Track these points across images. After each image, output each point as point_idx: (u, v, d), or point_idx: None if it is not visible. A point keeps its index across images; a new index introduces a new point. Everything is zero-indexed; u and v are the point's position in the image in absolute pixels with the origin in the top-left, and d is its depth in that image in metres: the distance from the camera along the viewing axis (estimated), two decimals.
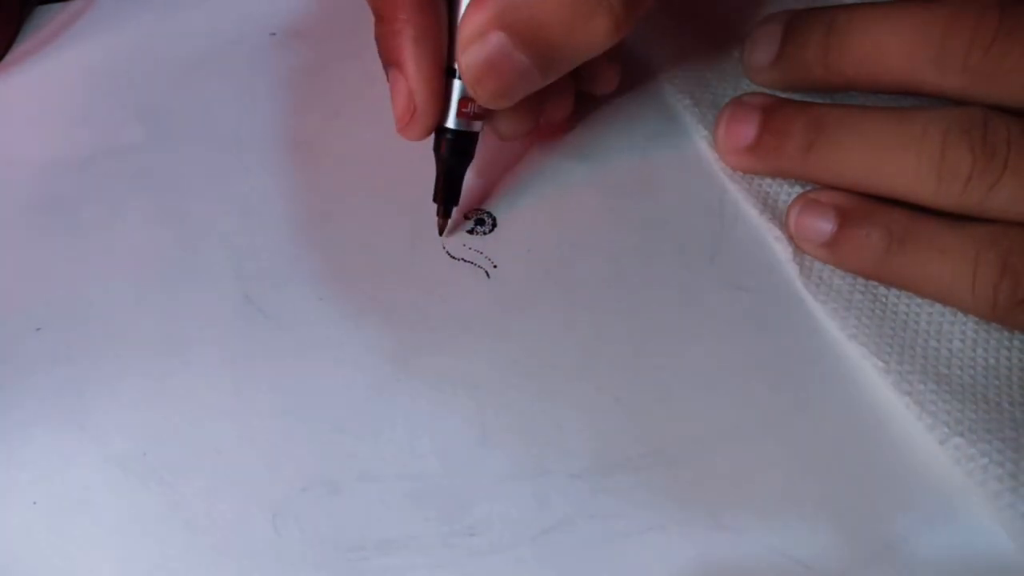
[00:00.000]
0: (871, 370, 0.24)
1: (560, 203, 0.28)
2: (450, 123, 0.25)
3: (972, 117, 0.23)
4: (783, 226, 0.26)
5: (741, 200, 0.28)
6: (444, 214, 0.27)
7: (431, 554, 0.22)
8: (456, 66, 0.23)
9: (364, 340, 0.26)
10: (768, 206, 0.27)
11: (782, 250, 0.26)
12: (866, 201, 0.25)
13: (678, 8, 0.33)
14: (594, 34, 0.22)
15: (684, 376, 0.24)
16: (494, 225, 0.28)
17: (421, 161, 0.29)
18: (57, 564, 0.22)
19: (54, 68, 0.35)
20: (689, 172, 0.29)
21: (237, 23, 0.36)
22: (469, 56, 0.22)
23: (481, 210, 0.28)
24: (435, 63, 0.24)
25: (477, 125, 0.26)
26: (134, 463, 0.24)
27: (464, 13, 0.23)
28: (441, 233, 0.28)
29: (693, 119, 0.29)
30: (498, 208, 0.29)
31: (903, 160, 0.24)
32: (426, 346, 0.25)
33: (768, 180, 0.28)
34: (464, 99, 0.25)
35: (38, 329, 0.27)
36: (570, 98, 0.28)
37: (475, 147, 0.26)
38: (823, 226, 0.25)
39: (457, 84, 0.25)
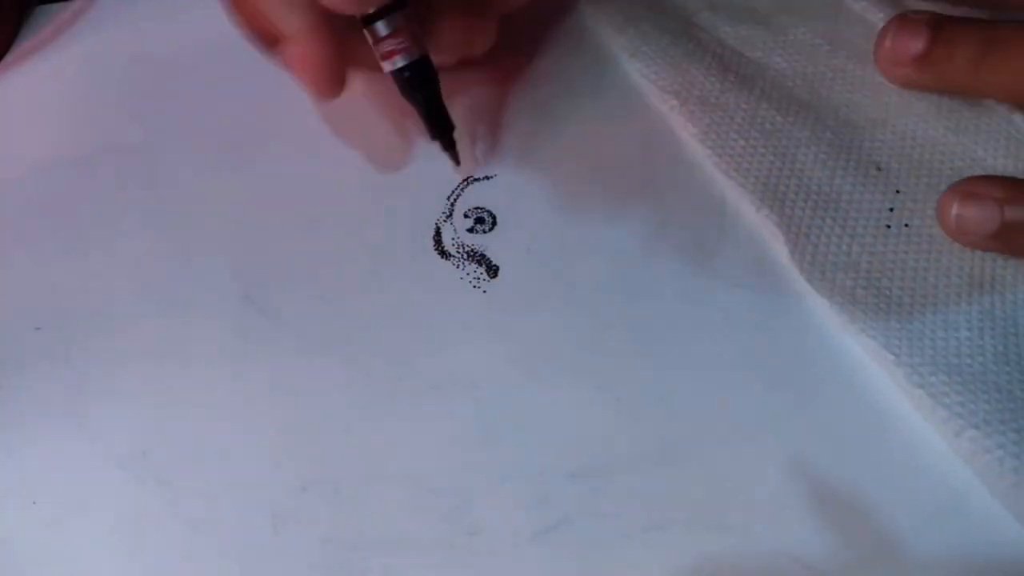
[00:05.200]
0: (871, 369, 0.24)
1: (560, 202, 0.28)
2: (397, 64, 0.25)
3: None
4: (782, 220, 0.26)
5: (741, 200, 0.28)
6: (448, 144, 0.27)
7: (431, 554, 0.22)
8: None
9: (364, 340, 0.26)
10: (767, 203, 0.27)
11: (780, 249, 0.26)
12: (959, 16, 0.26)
13: (657, 9, 0.33)
14: None
15: (684, 376, 0.24)
16: (494, 224, 0.28)
17: (421, 160, 0.29)
18: (57, 564, 0.22)
19: (54, 68, 0.35)
20: (689, 172, 0.29)
21: None
22: None
23: (481, 209, 0.28)
24: (317, 14, 0.23)
25: (417, 52, 0.26)
26: (134, 463, 0.24)
27: None
28: (457, 163, 0.28)
29: (681, 118, 0.29)
30: (498, 207, 0.29)
31: None
32: (426, 346, 0.25)
33: (767, 177, 0.27)
34: (388, 36, 0.25)
35: (38, 329, 0.27)
36: (483, 23, 0.28)
37: (432, 69, 0.26)
38: (918, 40, 0.26)
39: (378, 25, 0.25)
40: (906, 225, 0.26)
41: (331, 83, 0.25)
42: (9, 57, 0.36)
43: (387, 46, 0.25)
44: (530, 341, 0.25)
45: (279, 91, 0.33)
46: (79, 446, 0.24)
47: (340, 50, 0.25)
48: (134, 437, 0.24)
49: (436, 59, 0.27)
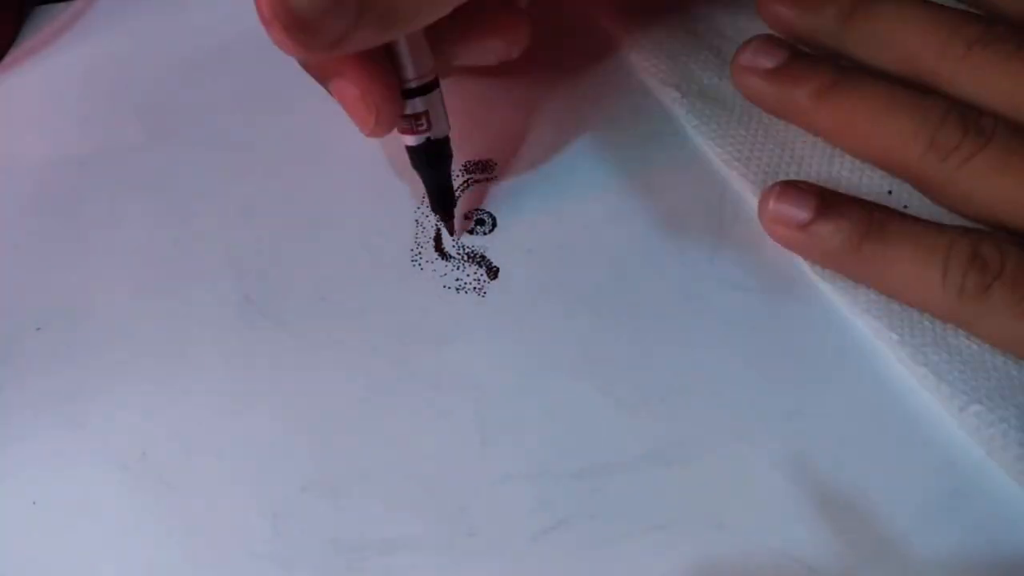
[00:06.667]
0: (871, 368, 0.24)
1: (560, 203, 0.28)
2: (410, 143, 0.25)
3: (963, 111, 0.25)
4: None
5: (741, 199, 0.28)
6: (447, 217, 0.28)
7: (431, 554, 0.22)
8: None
9: (364, 340, 0.26)
10: None
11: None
12: (843, 193, 0.26)
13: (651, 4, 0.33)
14: None
15: (684, 376, 0.24)
16: (494, 225, 0.28)
17: None
18: (57, 564, 0.22)
19: (54, 68, 0.35)
20: (689, 172, 0.29)
21: (237, 23, 0.36)
22: None
23: (481, 210, 0.28)
24: (376, 61, 0.23)
25: (441, 131, 0.26)
26: (134, 463, 0.24)
27: None
28: (452, 234, 0.28)
29: (682, 109, 0.29)
30: (498, 208, 0.29)
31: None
32: (426, 346, 0.25)
33: (768, 166, 0.28)
34: (411, 115, 0.25)
35: (38, 329, 0.27)
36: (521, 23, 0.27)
37: (449, 147, 0.26)
38: (800, 211, 0.25)
39: (409, 103, 0.24)
40: (905, 206, 0.26)
41: (377, 123, 0.24)
42: (9, 57, 0.36)
43: (408, 123, 0.25)
44: (530, 341, 0.25)
45: (279, 91, 0.33)
46: (79, 446, 0.24)
47: (390, 89, 0.24)
48: (134, 437, 0.24)
49: (476, 62, 0.27)
